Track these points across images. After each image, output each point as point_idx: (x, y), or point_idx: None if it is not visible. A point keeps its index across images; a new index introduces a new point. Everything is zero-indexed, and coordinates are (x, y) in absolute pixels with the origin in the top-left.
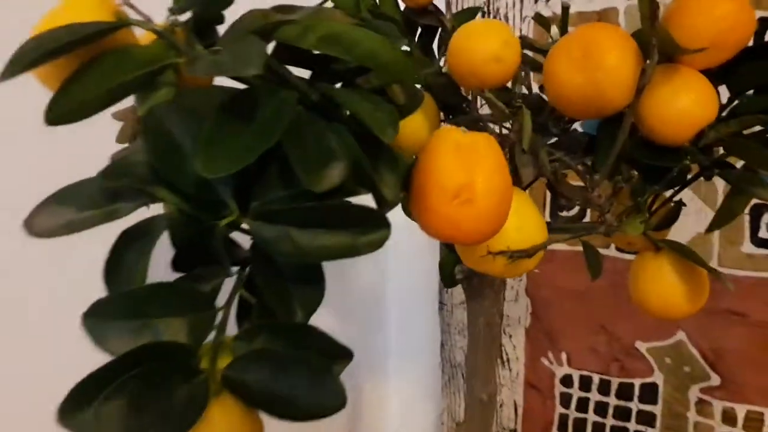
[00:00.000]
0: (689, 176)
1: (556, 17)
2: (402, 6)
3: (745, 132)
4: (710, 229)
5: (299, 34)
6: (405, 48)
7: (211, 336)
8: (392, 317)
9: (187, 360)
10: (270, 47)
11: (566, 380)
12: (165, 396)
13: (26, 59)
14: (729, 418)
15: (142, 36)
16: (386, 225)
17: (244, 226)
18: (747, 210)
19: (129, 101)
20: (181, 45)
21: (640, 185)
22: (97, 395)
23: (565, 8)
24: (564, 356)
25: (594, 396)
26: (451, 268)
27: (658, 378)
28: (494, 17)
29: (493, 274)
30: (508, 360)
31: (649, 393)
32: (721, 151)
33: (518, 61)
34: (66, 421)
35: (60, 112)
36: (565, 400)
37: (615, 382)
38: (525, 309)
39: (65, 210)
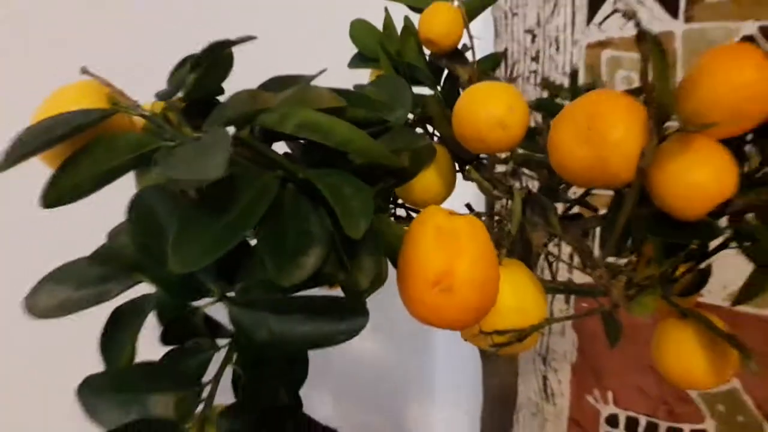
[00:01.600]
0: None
1: (611, 41)
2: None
3: None
4: (736, 303)
5: (277, 121)
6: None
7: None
8: (438, 343)
9: None
10: None
11: (612, 420)
12: None
13: (21, 151)
14: None
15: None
16: (364, 313)
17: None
18: None
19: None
20: (168, 129)
21: (658, 256)
22: None
23: (574, 73)
24: (610, 395)
25: None
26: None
27: (709, 425)
28: (544, 40)
29: (493, 351)
30: (553, 395)
31: None
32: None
33: (526, 124)
34: None
35: (55, 197)
36: None
37: (663, 426)
38: (571, 344)
39: (61, 290)
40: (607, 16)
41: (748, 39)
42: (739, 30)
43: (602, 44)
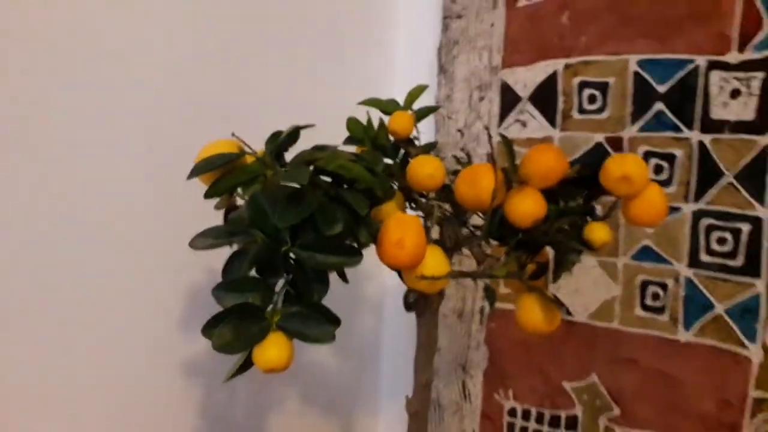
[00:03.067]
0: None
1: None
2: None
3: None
4: (554, 280)
5: (325, 164)
6: (384, 164)
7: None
8: (385, 360)
9: (260, 313)
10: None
11: (512, 412)
12: (249, 327)
13: (199, 170)
14: None
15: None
16: (361, 255)
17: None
18: (638, 283)
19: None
20: (269, 164)
21: (513, 251)
22: (218, 324)
23: (489, 156)
24: (511, 393)
25: (532, 425)
26: (407, 299)
27: (578, 410)
28: (469, 137)
29: (421, 290)
30: (469, 395)
31: (572, 422)
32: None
33: (444, 178)
34: (205, 334)
35: (212, 193)
36: (511, 428)
37: (547, 413)
38: (484, 355)
39: (207, 239)
40: (509, 124)
41: (599, 145)
42: (593, 138)
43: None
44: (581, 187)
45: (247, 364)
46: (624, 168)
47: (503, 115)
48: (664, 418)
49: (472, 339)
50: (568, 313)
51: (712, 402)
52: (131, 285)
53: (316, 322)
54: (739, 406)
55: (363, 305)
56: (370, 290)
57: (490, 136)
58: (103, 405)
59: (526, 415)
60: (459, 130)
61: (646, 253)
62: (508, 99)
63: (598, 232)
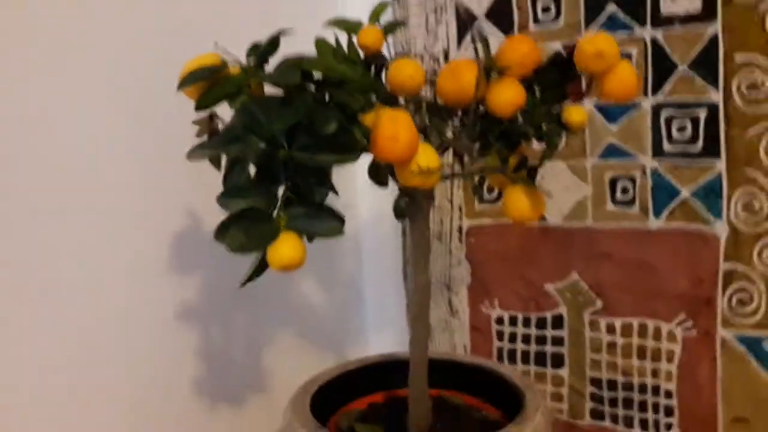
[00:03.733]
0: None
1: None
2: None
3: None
4: (540, 165)
5: (312, 66)
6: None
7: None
8: (368, 295)
9: (267, 216)
10: None
11: (499, 320)
12: (259, 229)
13: (186, 82)
14: (611, 329)
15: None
16: (356, 152)
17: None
18: (607, 180)
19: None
20: (253, 73)
21: (499, 145)
22: (228, 228)
23: (484, 39)
24: (496, 302)
25: (519, 329)
26: (399, 205)
27: (562, 309)
28: (430, 61)
29: (416, 186)
30: (456, 311)
31: (558, 321)
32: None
33: (424, 77)
34: (218, 238)
35: (204, 103)
36: (500, 335)
37: (534, 317)
38: (466, 271)
39: (203, 150)
40: (468, 44)
41: (557, 53)
42: (551, 47)
43: None
44: (555, 73)
45: (262, 266)
46: (597, 45)
47: (461, 36)
48: (644, 304)
49: (453, 257)
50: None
51: (687, 281)
52: (124, 224)
53: (322, 219)
54: (711, 280)
55: (342, 241)
56: (348, 225)
57: (478, 37)
58: (97, 345)
59: (513, 321)
60: (419, 55)
61: (611, 151)
62: (464, 19)
63: (575, 114)
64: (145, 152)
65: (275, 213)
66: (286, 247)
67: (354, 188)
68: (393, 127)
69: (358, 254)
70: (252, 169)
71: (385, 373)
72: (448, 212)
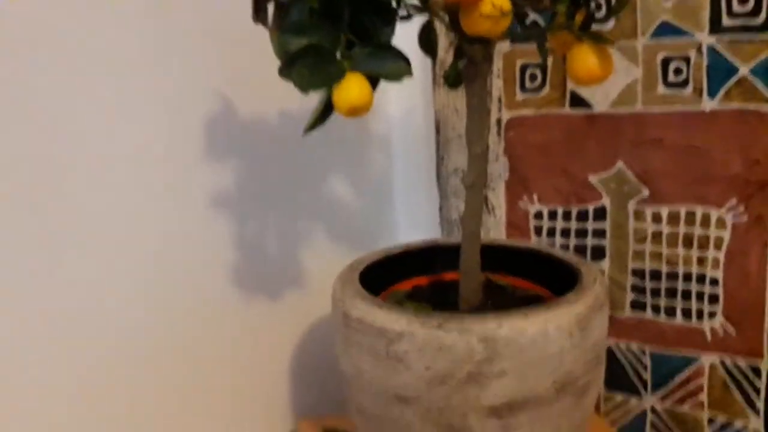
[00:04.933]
0: None
1: None
2: None
3: None
4: (613, 13)
5: None
6: None
7: None
8: (398, 197)
9: (331, 55)
10: None
11: (538, 215)
12: (323, 67)
13: None
14: (656, 218)
15: None
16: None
17: None
18: (659, 61)
19: None
20: None
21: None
22: (294, 63)
23: None
24: (535, 196)
25: (559, 224)
26: (452, 72)
27: (605, 201)
28: None
29: (482, 32)
30: (493, 208)
31: (600, 213)
32: None
33: None
34: (283, 75)
35: None
36: (538, 231)
37: (575, 210)
38: (504, 166)
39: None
40: None
41: None
42: None
43: None
44: None
45: (327, 110)
46: None
47: None
48: (693, 190)
49: (490, 153)
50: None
51: (740, 164)
52: (155, 112)
53: (388, 60)
54: (767, 162)
55: (371, 142)
56: (377, 126)
57: None
58: (132, 229)
59: (552, 216)
60: None
61: (664, 30)
62: None
63: None
64: (175, 35)
65: (339, 54)
66: (353, 87)
67: (383, 86)
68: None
69: (388, 154)
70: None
71: (427, 258)
72: None
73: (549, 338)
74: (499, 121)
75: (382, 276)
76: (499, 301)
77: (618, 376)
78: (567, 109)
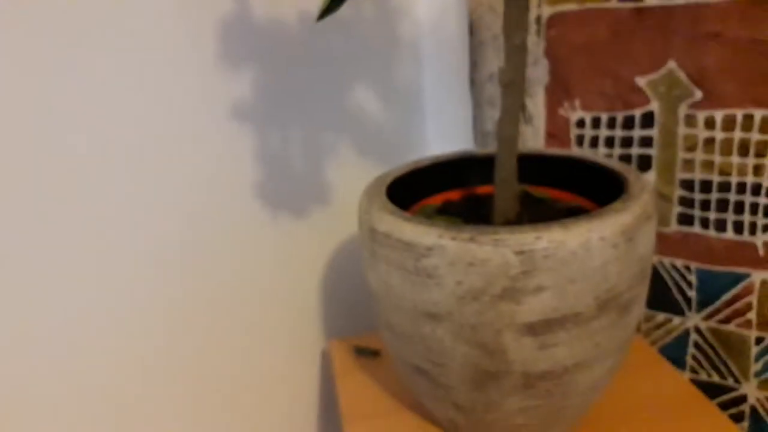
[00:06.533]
0: None
1: None
2: None
3: None
4: None
5: None
6: None
7: None
8: (428, 106)
9: None
10: None
11: (580, 123)
12: None
13: None
14: (709, 123)
15: None
16: None
17: None
18: None
19: None
20: None
21: None
22: None
23: None
24: (577, 102)
25: (603, 132)
26: None
27: (654, 105)
28: None
29: None
30: (531, 117)
31: (648, 119)
32: None
33: None
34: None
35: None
36: (579, 140)
37: (620, 116)
38: (544, 69)
39: None
40: None
41: None
42: None
43: None
44: None
45: None
46: None
47: None
48: (752, 91)
49: (529, 55)
50: None
51: None
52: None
53: None
54: None
55: (399, 47)
56: (405, 29)
57: None
58: (160, 143)
59: (595, 123)
60: None
61: None
62: None
63: None
64: None
65: None
66: None
67: None
68: None
69: (417, 60)
70: None
71: (459, 171)
72: None
73: (592, 251)
74: (538, 19)
75: (412, 190)
76: (537, 214)
77: (660, 295)
78: (614, 2)
